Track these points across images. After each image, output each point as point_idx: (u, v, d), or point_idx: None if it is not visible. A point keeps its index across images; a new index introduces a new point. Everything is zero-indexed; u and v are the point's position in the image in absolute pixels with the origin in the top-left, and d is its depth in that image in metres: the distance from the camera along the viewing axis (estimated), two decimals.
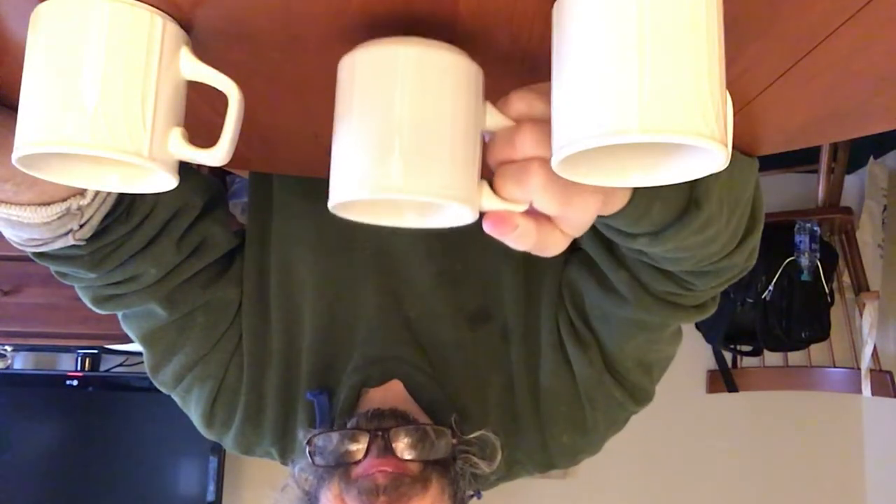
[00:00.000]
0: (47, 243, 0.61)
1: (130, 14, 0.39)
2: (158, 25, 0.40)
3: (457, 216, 0.42)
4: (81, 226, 0.60)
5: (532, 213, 0.42)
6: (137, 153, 0.39)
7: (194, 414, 0.82)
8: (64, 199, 0.57)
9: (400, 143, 0.38)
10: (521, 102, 0.41)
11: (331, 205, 0.40)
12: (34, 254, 0.65)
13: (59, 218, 0.57)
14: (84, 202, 0.58)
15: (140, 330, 0.78)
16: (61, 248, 0.63)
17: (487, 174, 0.42)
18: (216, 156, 0.42)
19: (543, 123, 0.40)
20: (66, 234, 0.60)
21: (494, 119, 0.41)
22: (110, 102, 0.38)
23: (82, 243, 0.63)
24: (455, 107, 0.39)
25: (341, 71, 0.41)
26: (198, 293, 0.76)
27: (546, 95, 0.40)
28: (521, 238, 0.42)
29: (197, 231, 0.73)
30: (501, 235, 0.42)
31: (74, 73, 0.38)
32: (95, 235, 0.63)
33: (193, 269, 0.74)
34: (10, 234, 0.61)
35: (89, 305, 0.74)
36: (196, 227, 0.73)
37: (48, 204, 0.56)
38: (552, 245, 0.43)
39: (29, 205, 0.55)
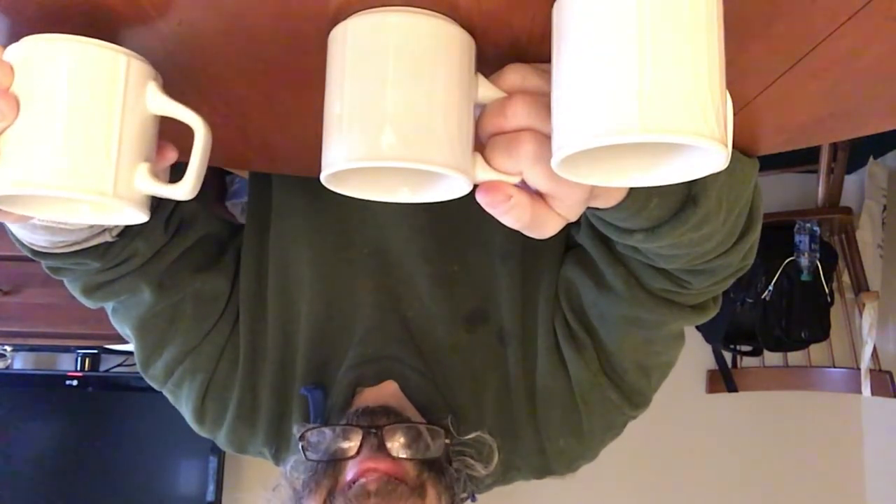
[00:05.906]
0: (79, 243, 0.63)
1: (93, 54, 0.39)
2: (122, 63, 0.40)
3: (451, 188, 0.41)
4: None
5: (525, 190, 0.41)
6: (101, 192, 0.39)
7: (185, 410, 0.82)
8: None
9: (394, 110, 0.37)
10: (515, 74, 0.41)
11: (323, 177, 0.39)
12: (38, 253, 0.65)
13: None
14: None
15: (131, 320, 0.77)
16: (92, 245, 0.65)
17: (478, 148, 0.41)
18: (182, 191, 0.43)
19: (537, 95, 0.40)
20: (103, 231, 0.63)
21: (486, 91, 0.41)
22: (74, 142, 0.39)
23: (115, 239, 0.66)
24: (448, 73, 0.39)
25: (333, 41, 0.40)
26: (187, 277, 0.76)
27: (542, 71, 0.40)
28: (514, 211, 0.41)
29: (177, 211, 0.74)
30: (494, 206, 0.41)
31: (39, 115, 0.39)
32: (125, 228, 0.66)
33: (179, 248, 0.75)
34: (38, 239, 0.62)
35: (79, 297, 0.74)
36: (178, 206, 0.74)
37: None
38: (546, 224, 0.43)
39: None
